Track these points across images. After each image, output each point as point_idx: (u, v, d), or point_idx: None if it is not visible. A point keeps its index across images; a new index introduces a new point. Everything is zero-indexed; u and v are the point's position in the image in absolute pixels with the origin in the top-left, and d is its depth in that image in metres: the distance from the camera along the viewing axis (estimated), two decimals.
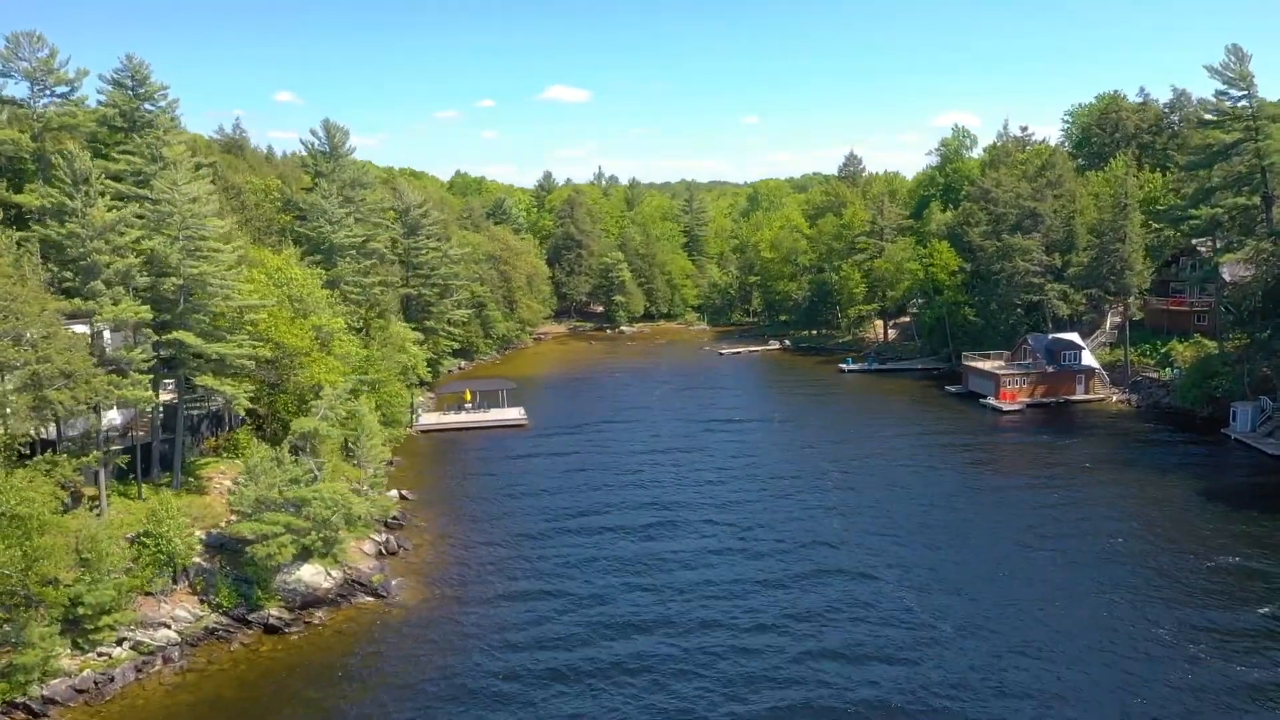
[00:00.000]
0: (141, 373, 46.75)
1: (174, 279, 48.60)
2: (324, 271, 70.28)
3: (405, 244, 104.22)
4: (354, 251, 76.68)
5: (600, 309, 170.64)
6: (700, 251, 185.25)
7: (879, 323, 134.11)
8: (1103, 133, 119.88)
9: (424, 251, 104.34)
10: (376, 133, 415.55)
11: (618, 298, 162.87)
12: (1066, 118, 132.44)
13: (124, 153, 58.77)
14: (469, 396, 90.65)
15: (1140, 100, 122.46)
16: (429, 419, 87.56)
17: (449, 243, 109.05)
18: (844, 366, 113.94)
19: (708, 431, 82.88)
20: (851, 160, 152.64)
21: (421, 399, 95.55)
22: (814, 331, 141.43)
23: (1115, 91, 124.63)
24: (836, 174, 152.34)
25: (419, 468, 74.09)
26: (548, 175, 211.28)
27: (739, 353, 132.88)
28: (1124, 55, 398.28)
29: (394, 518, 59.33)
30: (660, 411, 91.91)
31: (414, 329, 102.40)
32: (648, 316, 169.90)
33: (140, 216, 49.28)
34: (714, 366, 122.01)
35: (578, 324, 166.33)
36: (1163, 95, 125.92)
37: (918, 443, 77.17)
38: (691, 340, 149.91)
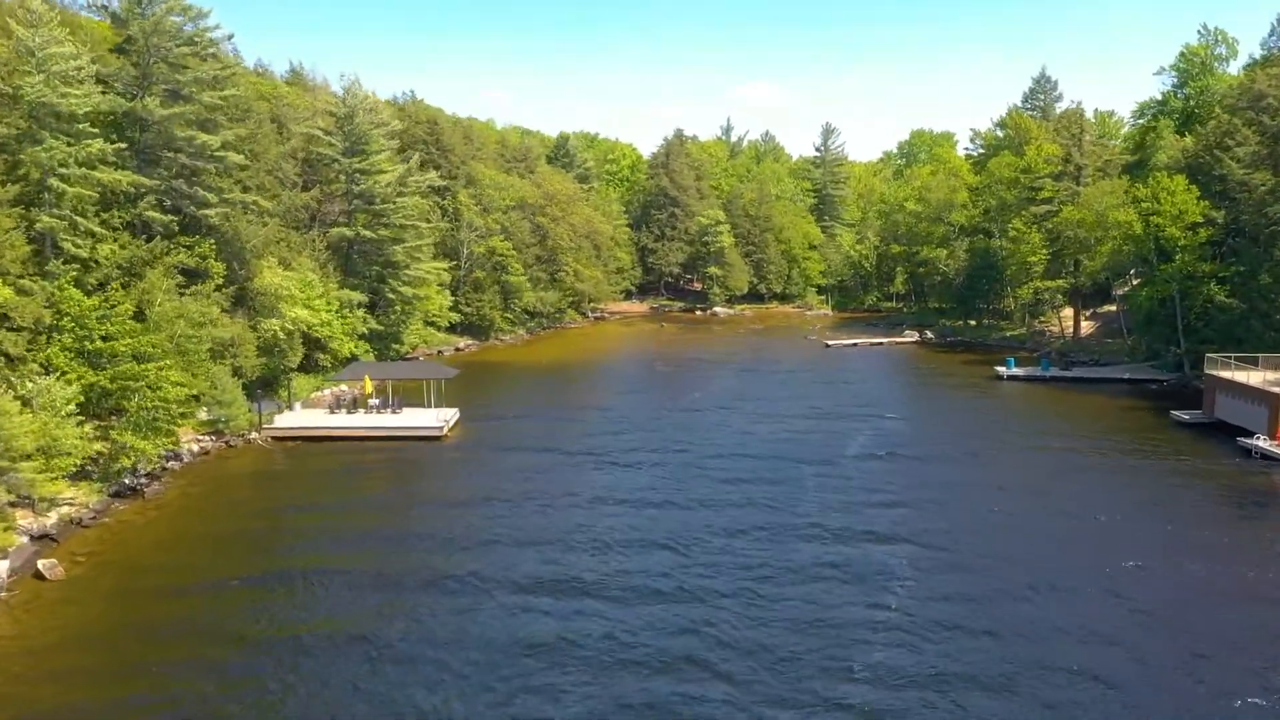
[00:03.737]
0: None
1: None
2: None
3: (346, 164, 73.39)
4: (87, 125, 45.63)
5: (700, 286, 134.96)
6: (834, 216, 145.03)
7: (1068, 310, 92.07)
8: None
9: (372, 175, 73.04)
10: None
11: (712, 270, 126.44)
12: None
13: None
14: (368, 388, 58.25)
15: None
16: (290, 419, 56.03)
17: (411, 163, 77.34)
18: (1002, 370, 73.87)
19: (714, 466, 46.89)
20: (1042, 84, 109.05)
21: (336, 389, 64.85)
22: (972, 321, 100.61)
23: None
24: (1020, 103, 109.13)
25: (189, 499, 42.94)
26: (678, 133, 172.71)
27: (854, 345, 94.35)
28: None
29: None
30: (669, 431, 56.52)
31: (356, 286, 72.18)
32: (755, 296, 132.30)
33: None
34: (811, 363, 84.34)
35: (663, 302, 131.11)
36: None
37: (1103, 513, 38.30)
38: (800, 327, 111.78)
